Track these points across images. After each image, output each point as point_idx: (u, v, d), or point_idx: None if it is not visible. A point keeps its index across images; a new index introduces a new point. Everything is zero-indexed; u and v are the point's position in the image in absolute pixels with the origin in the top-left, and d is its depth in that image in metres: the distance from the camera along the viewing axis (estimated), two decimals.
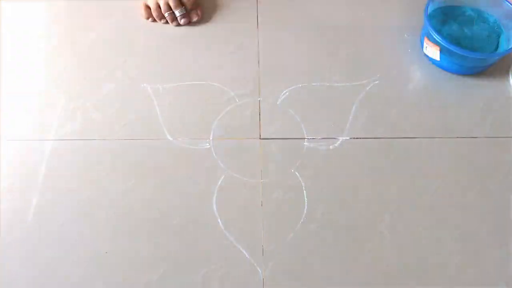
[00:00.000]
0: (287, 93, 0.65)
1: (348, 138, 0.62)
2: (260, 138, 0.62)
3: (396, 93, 0.65)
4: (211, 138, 0.61)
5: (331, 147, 0.61)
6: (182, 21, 0.70)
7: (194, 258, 0.53)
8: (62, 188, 0.58)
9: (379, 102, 0.65)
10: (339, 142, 0.61)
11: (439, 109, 0.64)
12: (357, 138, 0.62)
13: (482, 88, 0.66)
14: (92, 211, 0.56)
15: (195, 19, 0.71)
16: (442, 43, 0.62)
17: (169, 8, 0.70)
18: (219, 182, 0.58)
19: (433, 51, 0.65)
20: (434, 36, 0.62)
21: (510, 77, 0.67)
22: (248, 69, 0.67)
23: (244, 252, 0.54)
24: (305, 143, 0.61)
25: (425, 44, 0.66)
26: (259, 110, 0.64)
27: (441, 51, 0.64)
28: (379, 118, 0.63)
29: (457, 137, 0.62)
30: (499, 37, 0.67)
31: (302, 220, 0.56)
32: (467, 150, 0.61)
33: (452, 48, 0.61)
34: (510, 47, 0.63)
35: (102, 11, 0.73)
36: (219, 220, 0.56)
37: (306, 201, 0.57)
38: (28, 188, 0.58)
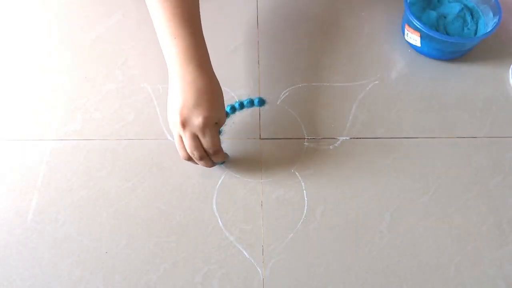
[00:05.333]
0: (287, 93, 0.65)
1: (348, 138, 0.62)
2: (260, 138, 0.62)
3: (396, 93, 0.66)
4: None
5: (331, 147, 0.61)
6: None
7: (194, 258, 0.53)
8: (62, 188, 0.58)
9: (379, 102, 0.65)
10: (339, 142, 0.61)
11: (439, 109, 0.64)
12: (357, 138, 0.62)
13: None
14: (92, 211, 0.56)
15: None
16: (422, 29, 0.63)
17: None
18: (219, 182, 0.58)
19: (413, 38, 0.66)
20: (414, 23, 0.64)
21: (510, 77, 0.67)
22: (248, 69, 0.67)
23: (244, 252, 0.54)
24: (305, 143, 0.61)
25: (406, 31, 0.68)
26: (259, 110, 0.64)
27: (421, 37, 0.65)
28: (379, 118, 0.63)
29: (457, 137, 0.62)
30: (477, 22, 0.68)
31: (302, 220, 0.56)
32: (467, 150, 0.61)
33: (431, 34, 0.63)
34: (487, 31, 0.64)
35: (102, 11, 0.73)
36: (219, 220, 0.56)
37: (306, 201, 0.57)
38: (28, 188, 0.58)
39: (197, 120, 0.50)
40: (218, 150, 0.53)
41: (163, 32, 0.52)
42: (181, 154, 0.54)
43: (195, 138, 0.51)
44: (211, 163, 0.55)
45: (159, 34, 0.53)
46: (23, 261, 0.53)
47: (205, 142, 0.51)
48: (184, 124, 0.50)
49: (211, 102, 0.51)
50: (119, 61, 0.68)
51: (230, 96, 0.64)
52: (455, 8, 0.68)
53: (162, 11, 0.51)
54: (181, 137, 0.52)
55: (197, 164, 0.55)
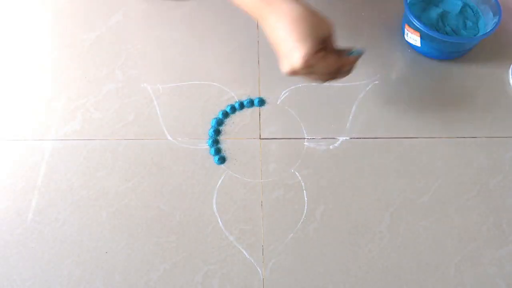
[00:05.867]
0: (287, 93, 0.65)
1: (348, 138, 0.62)
2: (260, 138, 0.62)
3: (396, 93, 0.66)
4: None
5: (331, 147, 0.61)
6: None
7: (194, 258, 0.54)
8: (62, 188, 0.58)
9: (379, 102, 0.65)
10: (339, 142, 0.61)
11: (439, 109, 0.64)
12: (357, 138, 0.62)
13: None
14: (92, 211, 0.56)
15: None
16: (422, 29, 0.63)
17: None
18: (219, 182, 0.58)
19: (413, 38, 0.66)
20: (414, 23, 0.63)
21: (510, 77, 0.67)
22: (248, 69, 0.67)
23: (244, 252, 0.54)
24: (305, 143, 0.61)
25: (406, 31, 0.67)
26: (259, 110, 0.64)
27: (421, 37, 0.65)
28: (379, 118, 0.63)
29: (457, 137, 0.62)
30: (477, 22, 0.68)
31: (302, 220, 0.56)
32: (467, 150, 0.61)
33: (431, 34, 0.62)
34: (487, 31, 0.64)
35: (102, 11, 0.73)
36: (219, 220, 0.56)
37: (306, 201, 0.57)
38: (28, 188, 0.58)
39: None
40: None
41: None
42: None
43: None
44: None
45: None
46: (23, 261, 0.53)
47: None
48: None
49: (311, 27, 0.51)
50: (119, 61, 0.68)
51: (230, 96, 0.64)
52: (456, 5, 0.68)
53: None
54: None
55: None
